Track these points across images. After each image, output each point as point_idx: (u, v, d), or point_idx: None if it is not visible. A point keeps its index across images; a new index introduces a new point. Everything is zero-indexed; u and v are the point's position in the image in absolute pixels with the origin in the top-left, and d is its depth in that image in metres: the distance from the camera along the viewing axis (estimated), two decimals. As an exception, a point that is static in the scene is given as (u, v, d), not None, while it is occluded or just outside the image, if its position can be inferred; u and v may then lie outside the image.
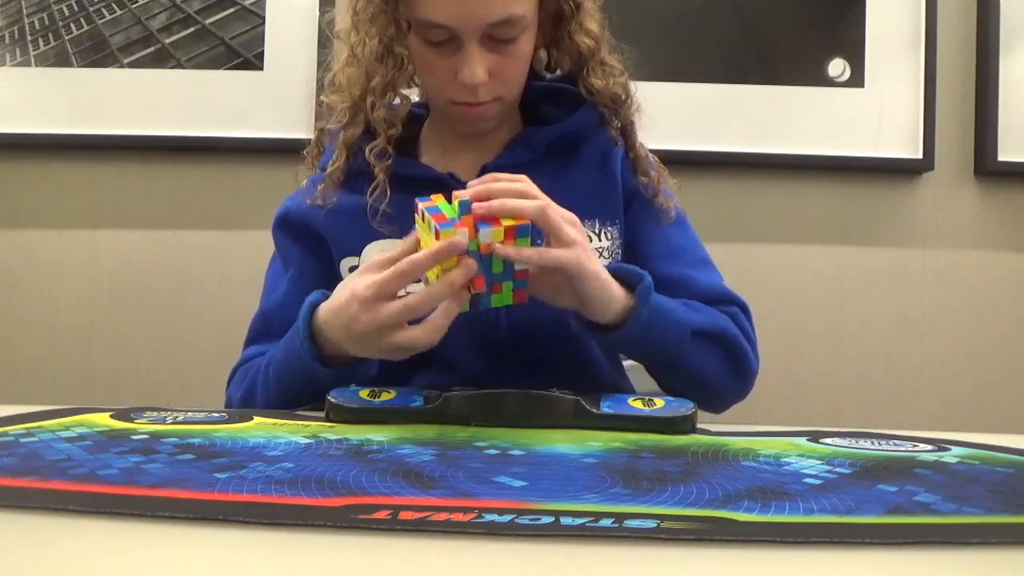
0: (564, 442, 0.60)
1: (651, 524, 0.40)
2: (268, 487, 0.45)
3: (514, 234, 0.68)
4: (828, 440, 0.63)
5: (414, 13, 0.80)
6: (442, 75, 0.83)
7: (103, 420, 0.64)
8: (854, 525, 0.41)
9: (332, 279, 0.87)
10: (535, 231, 0.69)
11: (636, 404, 0.69)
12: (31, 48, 1.52)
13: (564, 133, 0.90)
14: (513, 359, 0.84)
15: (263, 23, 1.52)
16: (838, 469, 0.53)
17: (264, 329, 0.91)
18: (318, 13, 1.51)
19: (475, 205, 0.67)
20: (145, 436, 0.58)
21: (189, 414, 0.68)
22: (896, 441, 0.64)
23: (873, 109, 1.53)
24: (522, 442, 0.60)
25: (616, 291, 0.75)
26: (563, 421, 0.67)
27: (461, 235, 0.66)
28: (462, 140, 0.92)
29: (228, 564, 0.37)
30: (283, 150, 1.42)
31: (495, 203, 0.68)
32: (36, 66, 1.52)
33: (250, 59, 1.52)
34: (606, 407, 0.68)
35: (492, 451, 0.56)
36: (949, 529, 0.41)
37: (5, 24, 1.53)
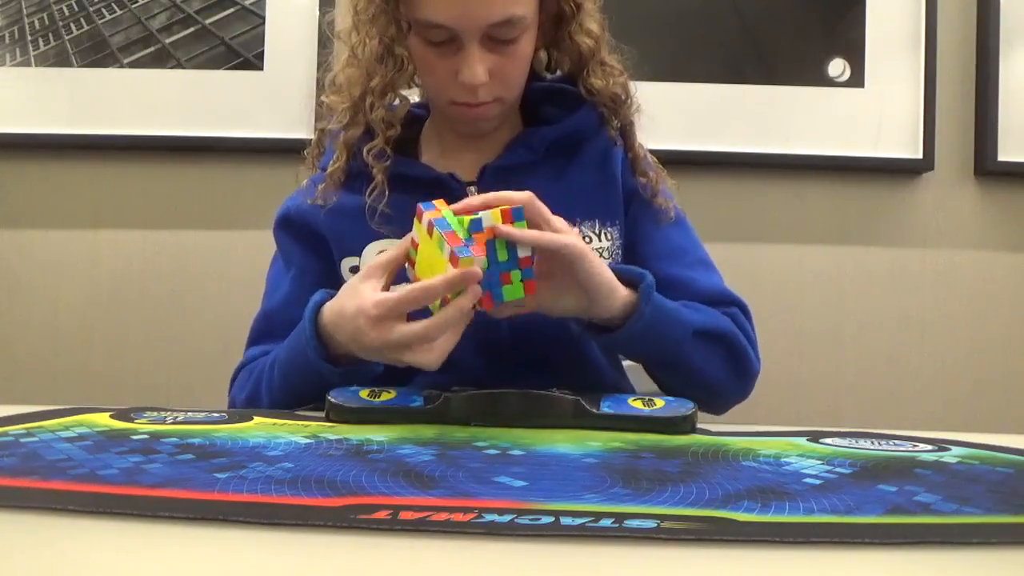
0: (564, 442, 0.60)
1: (651, 524, 0.40)
2: (268, 487, 0.45)
3: (511, 217, 0.69)
4: (828, 440, 0.63)
5: (414, 13, 0.80)
6: (442, 75, 0.83)
7: (103, 420, 0.64)
8: (854, 525, 0.41)
9: (333, 279, 0.87)
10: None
11: (636, 404, 0.69)
12: (31, 48, 1.52)
13: (564, 134, 0.90)
14: (513, 359, 0.84)
15: (263, 23, 1.52)
16: (838, 469, 0.53)
17: (267, 329, 0.91)
18: (318, 13, 1.51)
19: (466, 200, 0.70)
20: (145, 436, 0.58)
21: (189, 414, 0.68)
22: (896, 441, 0.64)
23: (873, 109, 1.53)
24: (522, 442, 0.60)
25: (617, 283, 0.76)
26: (563, 421, 0.67)
27: (479, 262, 0.66)
28: (462, 140, 0.92)
29: (228, 564, 0.37)
30: (283, 150, 1.42)
31: (489, 195, 0.70)
32: (36, 66, 1.52)
33: (250, 59, 1.52)
34: (606, 407, 0.68)
35: (492, 451, 0.57)
36: (949, 529, 0.41)
37: (5, 24, 1.53)
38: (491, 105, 0.85)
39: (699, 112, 1.52)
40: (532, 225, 0.71)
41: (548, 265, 0.72)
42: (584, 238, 0.85)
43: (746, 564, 0.37)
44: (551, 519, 0.41)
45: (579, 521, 0.40)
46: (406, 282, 0.72)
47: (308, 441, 0.58)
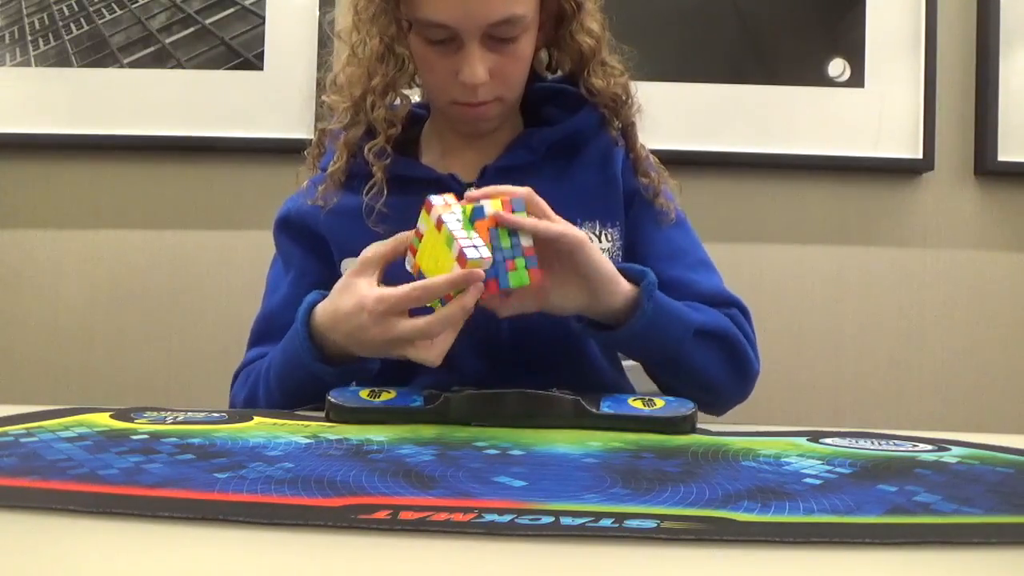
0: (564, 442, 0.60)
1: (651, 524, 0.40)
2: (268, 487, 0.45)
3: (511, 208, 0.70)
4: (828, 440, 0.63)
5: (415, 13, 0.80)
6: (443, 75, 0.83)
7: (103, 420, 0.64)
8: (854, 525, 0.41)
9: (333, 280, 0.86)
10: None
11: (636, 404, 0.69)
12: (31, 48, 1.52)
13: (565, 134, 0.90)
14: (513, 359, 0.84)
15: (263, 23, 1.52)
16: (838, 469, 0.53)
17: (266, 331, 0.91)
18: (318, 13, 1.51)
19: (467, 193, 0.71)
20: (145, 436, 0.58)
21: (189, 414, 0.68)
22: (896, 441, 0.64)
23: (873, 109, 1.53)
24: (522, 442, 0.60)
25: (619, 275, 0.76)
26: (563, 421, 0.67)
27: (484, 263, 0.66)
28: (463, 140, 0.92)
29: (228, 564, 0.37)
30: (283, 150, 1.43)
31: (489, 188, 0.71)
32: (36, 66, 1.52)
33: (250, 59, 1.52)
34: (606, 407, 0.68)
35: (492, 451, 0.56)
36: (949, 529, 0.41)
37: (5, 24, 1.53)
38: (491, 105, 0.85)
39: (699, 112, 1.52)
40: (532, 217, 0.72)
41: (549, 258, 0.72)
42: None
43: (746, 564, 0.37)
44: (551, 519, 0.41)
45: (579, 521, 0.40)
46: (404, 276, 0.72)
47: (308, 441, 0.58)
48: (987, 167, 1.53)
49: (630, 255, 0.90)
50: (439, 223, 0.68)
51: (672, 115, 1.49)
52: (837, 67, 1.53)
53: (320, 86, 1.37)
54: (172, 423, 0.63)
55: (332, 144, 0.91)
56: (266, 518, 0.40)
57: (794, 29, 1.53)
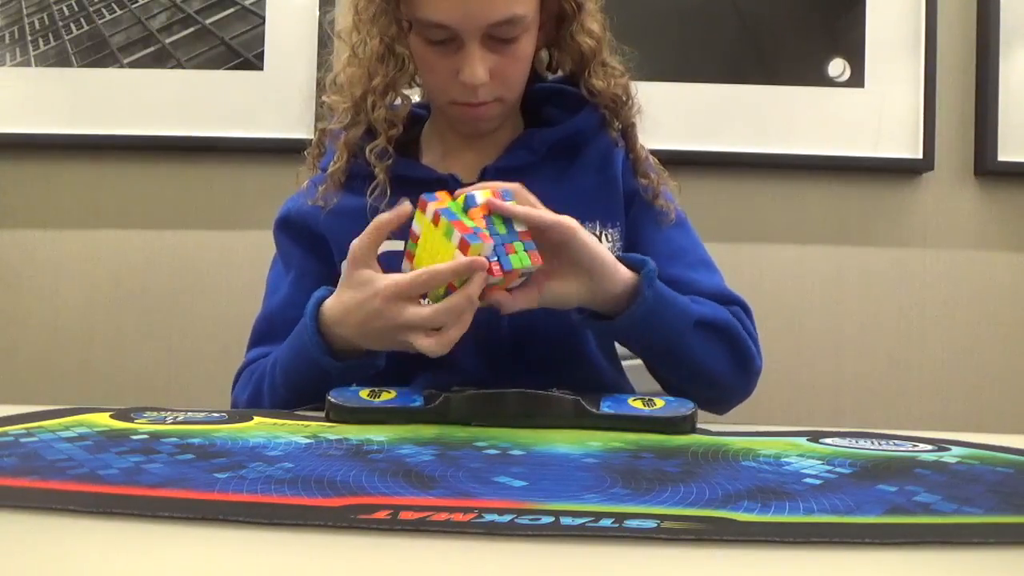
0: (564, 442, 0.60)
1: (651, 524, 0.40)
2: (268, 487, 0.45)
3: (501, 197, 0.71)
4: (828, 440, 0.63)
5: (415, 12, 0.80)
6: (443, 75, 0.83)
7: (103, 420, 0.64)
8: (854, 525, 0.41)
9: (333, 280, 0.86)
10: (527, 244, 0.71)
11: (636, 404, 0.69)
12: (31, 48, 1.52)
13: (565, 135, 0.90)
14: (513, 359, 0.84)
15: (263, 23, 1.52)
16: (838, 469, 0.53)
17: (268, 331, 0.91)
18: (318, 13, 1.51)
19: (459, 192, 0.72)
20: (145, 436, 0.58)
21: (189, 414, 0.68)
22: (896, 441, 0.64)
23: (873, 109, 1.53)
24: (522, 442, 0.60)
25: (617, 262, 0.76)
26: (563, 421, 0.67)
27: (486, 249, 0.67)
28: (463, 141, 0.92)
29: (228, 564, 0.37)
30: (283, 150, 1.42)
31: (479, 185, 0.72)
32: (36, 66, 1.52)
33: (250, 59, 1.52)
34: (606, 407, 0.68)
35: (492, 451, 0.56)
36: (949, 529, 0.41)
37: (5, 24, 1.53)
38: (491, 105, 0.85)
39: (699, 112, 1.52)
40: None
41: (545, 252, 0.72)
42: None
43: (746, 564, 0.37)
44: (551, 519, 0.41)
45: (579, 521, 0.40)
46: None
47: (308, 441, 0.58)
48: (987, 167, 1.53)
49: (630, 255, 0.91)
50: (436, 217, 0.69)
51: (672, 115, 1.49)
52: (837, 67, 1.53)
53: (320, 86, 1.38)
54: (172, 423, 0.63)
55: (332, 144, 0.91)
56: (266, 518, 0.40)
57: (794, 29, 1.53)
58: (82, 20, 1.52)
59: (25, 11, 1.53)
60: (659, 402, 0.69)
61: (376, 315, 0.70)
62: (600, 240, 0.88)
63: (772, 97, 1.52)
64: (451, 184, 0.86)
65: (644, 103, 0.92)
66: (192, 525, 0.40)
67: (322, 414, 0.69)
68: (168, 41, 1.52)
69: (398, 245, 0.76)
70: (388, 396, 0.70)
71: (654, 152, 0.95)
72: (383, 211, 0.84)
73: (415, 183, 0.85)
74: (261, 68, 1.52)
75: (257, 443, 0.57)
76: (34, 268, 1.54)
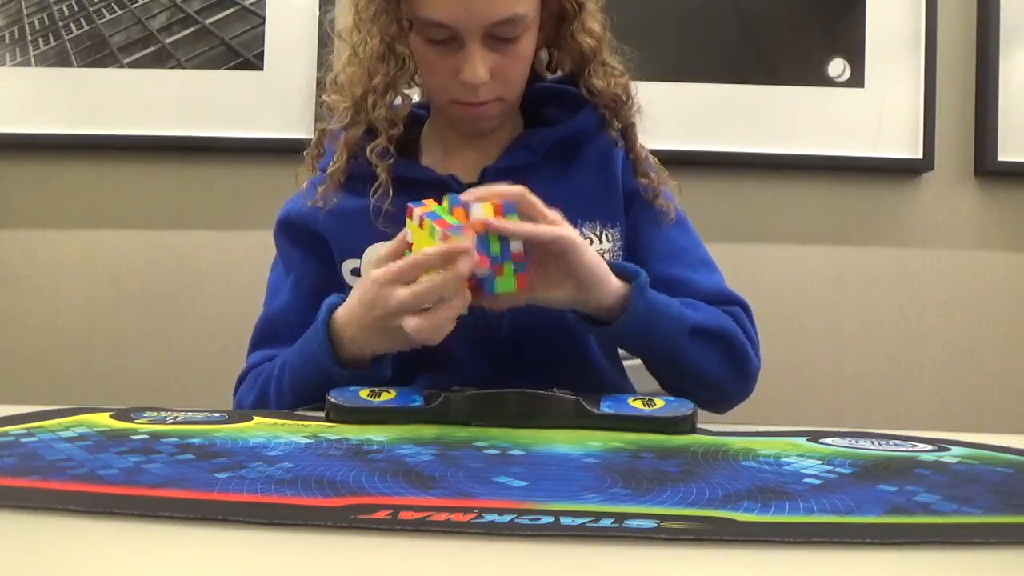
0: (564, 442, 0.60)
1: (651, 524, 0.40)
2: (268, 487, 0.45)
3: (502, 211, 0.70)
4: (828, 440, 0.63)
5: (415, 11, 0.80)
6: (443, 74, 0.83)
7: (103, 420, 0.64)
8: (854, 525, 0.41)
9: (333, 282, 0.87)
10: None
11: (636, 404, 0.69)
12: (31, 48, 1.52)
13: (565, 135, 0.90)
14: (513, 359, 0.84)
15: (263, 23, 1.52)
16: (838, 469, 0.53)
17: (269, 333, 0.91)
18: (318, 13, 1.51)
19: (463, 195, 0.71)
20: (145, 436, 0.58)
21: (189, 414, 0.68)
22: (896, 441, 0.64)
23: (873, 109, 1.53)
24: (522, 442, 0.60)
25: (611, 274, 0.76)
26: (563, 421, 0.67)
27: (467, 239, 0.67)
28: (463, 141, 0.92)
29: (228, 564, 0.37)
30: (283, 150, 1.42)
31: (480, 189, 0.71)
32: (36, 66, 1.52)
33: (250, 59, 1.52)
34: (606, 407, 0.68)
35: (492, 451, 0.56)
36: (949, 529, 0.41)
37: (5, 24, 1.53)
38: (492, 104, 0.85)
39: (699, 112, 1.52)
40: (525, 219, 0.72)
41: (541, 256, 0.73)
42: (585, 240, 0.85)
43: (746, 564, 0.37)
44: (551, 519, 0.41)
45: (579, 521, 0.40)
46: None
47: (308, 441, 0.58)
48: (987, 167, 1.53)
49: (631, 256, 0.90)
50: (421, 222, 0.70)
51: (672, 115, 1.49)
52: (837, 67, 1.53)
53: (320, 86, 1.37)
54: (172, 423, 0.63)
55: (332, 145, 0.90)
56: (266, 518, 0.40)
57: (794, 29, 1.53)
58: (82, 20, 1.52)
59: (25, 11, 1.53)
60: (659, 402, 0.69)
61: (372, 304, 0.71)
62: (600, 240, 0.88)
63: (772, 97, 1.52)
64: (451, 185, 0.86)
65: (644, 103, 0.92)
66: (192, 525, 0.40)
67: (322, 414, 0.69)
68: (168, 41, 1.52)
69: None
70: (388, 396, 0.70)
71: (654, 152, 0.95)
72: (386, 211, 0.84)
73: (415, 184, 0.85)
74: (261, 68, 1.52)
75: (257, 443, 0.57)
76: (34, 268, 1.54)
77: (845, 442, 0.62)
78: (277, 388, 0.83)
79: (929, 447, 0.62)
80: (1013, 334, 1.56)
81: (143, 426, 0.62)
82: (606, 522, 0.40)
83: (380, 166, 0.85)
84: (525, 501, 0.44)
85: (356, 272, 0.87)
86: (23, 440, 0.56)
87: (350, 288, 0.82)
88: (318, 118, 0.92)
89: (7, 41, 1.52)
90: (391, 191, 0.85)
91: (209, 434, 0.59)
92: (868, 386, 1.55)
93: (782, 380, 1.51)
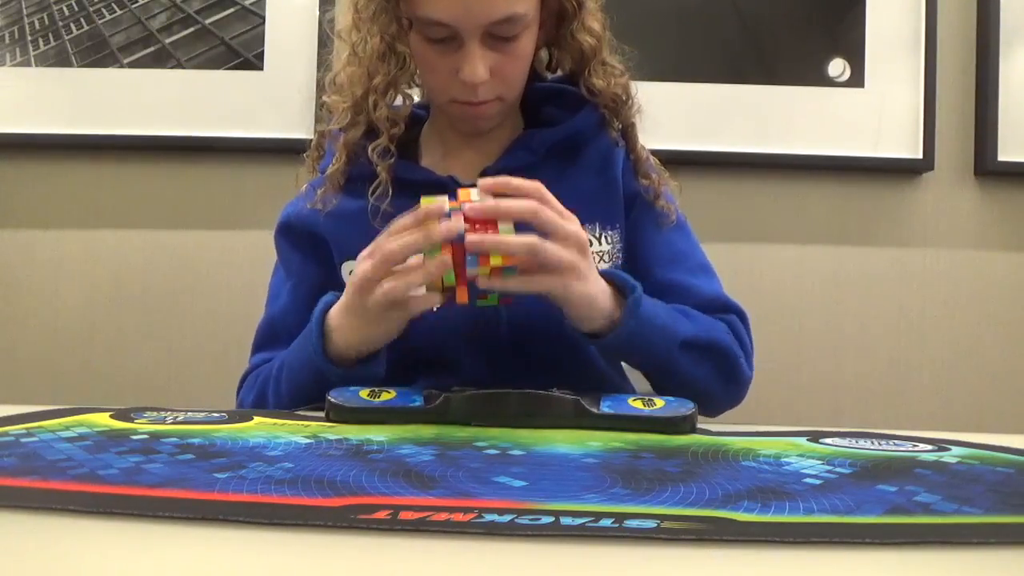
0: (564, 442, 0.60)
1: (651, 524, 0.40)
2: (268, 487, 0.45)
3: (500, 273, 0.69)
4: (828, 440, 0.63)
5: (415, 11, 0.80)
6: (443, 74, 0.83)
7: (103, 420, 0.64)
8: (854, 525, 0.41)
9: (332, 285, 0.87)
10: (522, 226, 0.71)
11: (636, 404, 0.69)
12: (31, 48, 1.52)
13: (565, 135, 0.90)
14: (513, 359, 0.84)
15: (263, 23, 1.52)
16: (838, 469, 0.53)
17: (270, 335, 0.91)
18: (318, 13, 1.51)
19: (480, 183, 0.71)
20: (145, 436, 0.58)
21: (189, 414, 0.68)
22: (896, 441, 0.64)
23: (873, 109, 1.53)
24: (522, 442, 0.60)
25: (602, 306, 0.75)
26: (563, 421, 0.67)
27: (443, 204, 0.69)
28: (463, 141, 0.92)
29: (228, 564, 0.37)
30: (283, 150, 1.43)
31: (489, 204, 0.69)
32: (36, 66, 1.52)
33: (250, 59, 1.52)
34: (606, 407, 0.68)
35: (492, 451, 0.56)
36: (949, 529, 0.41)
37: (5, 24, 1.53)
38: (492, 104, 0.85)
39: (699, 112, 1.52)
40: (541, 231, 0.70)
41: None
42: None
43: (746, 564, 0.37)
44: (551, 519, 0.41)
45: (579, 521, 0.40)
46: None
47: (308, 441, 0.58)
48: (987, 167, 1.53)
49: (630, 257, 0.90)
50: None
51: (672, 115, 1.49)
52: (837, 67, 1.53)
53: (320, 86, 1.37)
54: (172, 423, 0.63)
55: (332, 146, 0.90)
56: (266, 518, 0.40)
57: (794, 29, 1.53)
58: (82, 20, 1.52)
59: (25, 11, 1.53)
60: (659, 402, 0.69)
61: (359, 285, 0.71)
62: (599, 242, 0.88)
63: (772, 97, 1.52)
64: (450, 185, 0.86)
65: (644, 103, 0.92)
66: (192, 525, 0.40)
67: (322, 414, 0.69)
68: (168, 41, 1.52)
69: None
70: (388, 396, 0.70)
71: (654, 152, 0.95)
72: (384, 211, 0.84)
73: (415, 185, 0.85)
74: (261, 68, 1.52)
75: (257, 443, 0.57)
76: (34, 268, 1.54)
77: (845, 442, 0.62)
78: (275, 388, 0.83)
79: (929, 447, 0.62)
80: (1013, 334, 1.56)
81: (143, 426, 0.62)
82: (606, 522, 0.40)
83: (381, 165, 0.85)
84: (525, 501, 0.44)
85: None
86: (23, 440, 0.56)
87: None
88: (318, 118, 0.92)
89: (7, 41, 1.52)
90: (390, 191, 0.84)
91: (209, 434, 0.59)
92: (868, 386, 1.55)
93: (782, 380, 1.52)
